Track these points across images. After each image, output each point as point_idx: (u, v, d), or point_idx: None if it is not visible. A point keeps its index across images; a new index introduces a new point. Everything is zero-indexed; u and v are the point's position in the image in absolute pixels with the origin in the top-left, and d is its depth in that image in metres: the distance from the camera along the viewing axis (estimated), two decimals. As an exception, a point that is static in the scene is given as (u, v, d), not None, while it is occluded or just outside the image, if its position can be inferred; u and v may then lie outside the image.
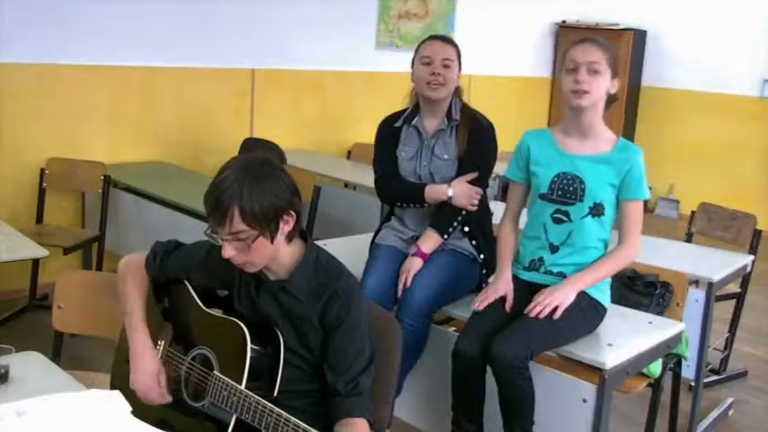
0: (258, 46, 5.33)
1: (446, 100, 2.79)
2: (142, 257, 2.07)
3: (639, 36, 7.61)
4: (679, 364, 3.02)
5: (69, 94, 4.53)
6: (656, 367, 2.74)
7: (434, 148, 2.80)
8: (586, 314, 2.44)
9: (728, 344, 4.06)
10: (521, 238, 2.62)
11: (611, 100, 2.47)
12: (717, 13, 7.23)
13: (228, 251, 1.79)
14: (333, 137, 5.91)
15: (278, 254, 1.85)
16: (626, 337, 2.46)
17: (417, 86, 2.79)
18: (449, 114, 2.80)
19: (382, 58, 6.10)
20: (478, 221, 2.82)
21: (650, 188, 6.44)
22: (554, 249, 2.50)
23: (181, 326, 2.01)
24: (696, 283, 3.30)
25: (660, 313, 2.86)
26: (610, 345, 2.40)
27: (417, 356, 2.65)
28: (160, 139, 4.96)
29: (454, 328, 2.76)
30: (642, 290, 2.97)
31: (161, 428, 1.56)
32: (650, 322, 2.62)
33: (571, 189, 2.46)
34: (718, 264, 3.34)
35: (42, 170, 4.42)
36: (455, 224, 2.77)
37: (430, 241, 2.73)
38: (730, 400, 3.70)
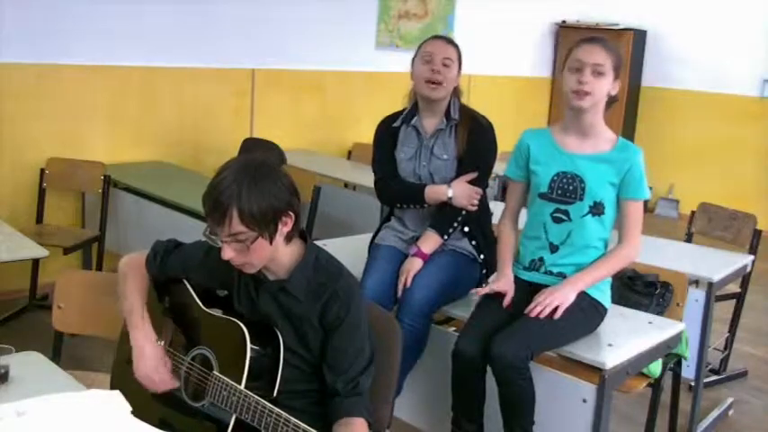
0: (258, 46, 5.33)
1: (444, 100, 2.79)
2: (142, 257, 2.07)
3: (639, 36, 7.62)
4: (679, 364, 3.02)
5: (69, 94, 4.53)
6: (656, 367, 2.74)
7: (434, 149, 2.80)
8: (587, 314, 2.44)
9: (728, 344, 4.06)
10: (521, 238, 2.62)
11: (611, 101, 2.47)
12: (717, 13, 7.23)
13: (227, 252, 1.79)
14: (333, 137, 5.91)
15: (277, 254, 1.85)
16: (626, 337, 2.46)
17: (416, 84, 2.79)
18: (447, 114, 2.80)
19: (382, 58, 6.10)
20: (478, 221, 2.82)
21: (650, 188, 6.45)
22: (554, 249, 2.50)
23: (180, 326, 2.01)
24: (696, 283, 3.30)
25: (660, 313, 2.86)
26: (610, 345, 2.40)
27: (417, 356, 2.65)
28: (160, 139, 4.96)
29: (454, 328, 2.76)
30: (642, 290, 2.97)
31: (161, 428, 1.56)
32: (650, 322, 2.62)
33: (571, 188, 2.46)
34: (718, 264, 3.34)
35: (42, 170, 4.42)
36: (455, 224, 2.77)
37: (430, 242, 2.73)
38: (730, 400, 3.70)
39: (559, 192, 2.48)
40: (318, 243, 2.03)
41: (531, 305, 2.38)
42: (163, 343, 2.00)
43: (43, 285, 4.27)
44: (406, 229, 2.88)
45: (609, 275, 2.52)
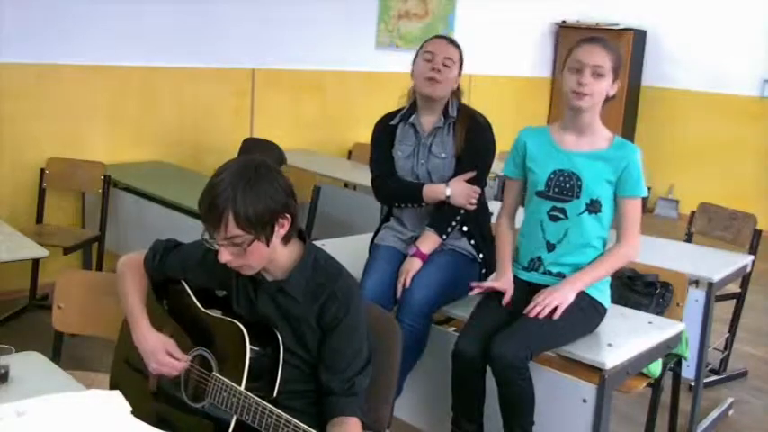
0: (258, 46, 5.33)
1: (443, 99, 2.79)
2: (141, 256, 2.07)
3: (639, 36, 7.62)
4: (679, 364, 3.02)
5: (69, 94, 4.53)
6: (656, 367, 2.74)
7: (432, 147, 2.80)
8: (586, 314, 2.44)
9: (728, 344, 4.06)
10: (519, 237, 2.62)
11: (607, 99, 2.47)
12: (717, 13, 7.23)
13: (225, 256, 1.79)
14: (333, 137, 5.91)
15: (275, 256, 1.85)
16: (626, 337, 2.46)
17: (416, 82, 2.79)
18: (445, 112, 2.80)
19: (382, 58, 6.10)
20: (477, 221, 2.82)
21: (650, 188, 6.40)
22: (551, 247, 2.50)
23: (180, 327, 2.01)
24: (696, 283, 3.30)
25: (660, 313, 2.86)
26: (610, 345, 2.40)
27: (418, 357, 2.65)
28: (160, 139, 4.96)
29: (454, 328, 2.75)
30: (642, 290, 2.97)
31: (161, 428, 1.56)
32: (650, 322, 2.62)
33: (568, 186, 2.46)
34: (719, 264, 3.34)
35: (42, 170, 4.42)
36: (454, 224, 2.76)
37: (429, 242, 2.73)
38: (730, 400, 3.70)
39: (556, 190, 2.48)
40: (318, 243, 2.03)
41: (531, 305, 2.38)
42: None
43: (43, 285, 4.27)
44: (405, 229, 2.88)
45: (608, 275, 2.52)
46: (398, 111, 2.90)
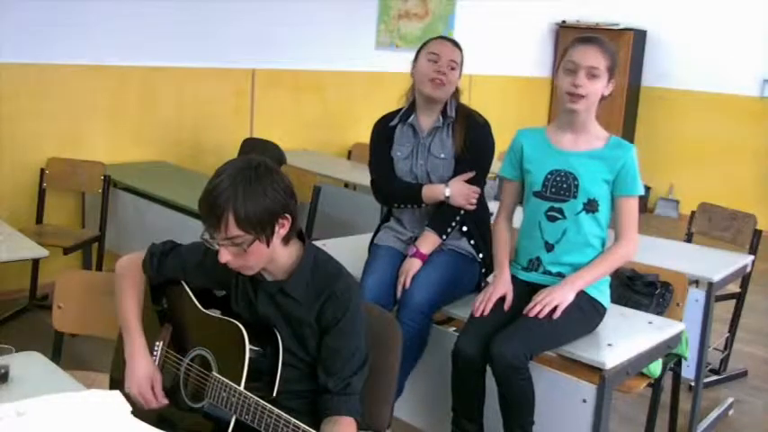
0: (258, 46, 5.33)
1: (444, 100, 2.79)
2: (139, 258, 2.07)
3: (639, 36, 7.62)
4: (679, 364, 3.02)
5: (69, 94, 4.53)
6: (656, 367, 2.74)
7: (431, 147, 2.80)
8: (586, 314, 2.44)
9: (728, 344, 4.06)
10: (518, 238, 2.62)
11: (602, 98, 2.47)
12: (717, 13, 7.23)
13: (224, 256, 1.79)
14: (333, 137, 5.91)
15: (275, 256, 1.85)
16: (626, 337, 2.46)
17: (419, 82, 2.78)
18: (444, 112, 2.80)
19: (382, 58, 6.10)
20: (477, 221, 2.82)
21: (650, 188, 6.39)
22: (550, 248, 2.50)
23: (179, 327, 2.01)
24: (696, 283, 3.30)
25: (660, 313, 2.86)
26: (610, 345, 2.40)
27: (418, 357, 2.65)
28: (160, 138, 4.96)
29: (454, 328, 2.75)
30: (642, 290, 2.97)
31: (161, 428, 1.56)
32: (650, 322, 2.62)
33: (564, 186, 2.46)
34: (718, 264, 3.34)
35: (42, 170, 4.42)
36: (453, 224, 2.76)
37: (428, 242, 2.73)
38: (730, 400, 3.70)
39: (553, 190, 2.48)
40: (318, 243, 2.03)
41: (530, 305, 2.38)
42: (161, 344, 2.00)
43: (43, 285, 4.27)
44: (405, 229, 2.88)
45: (607, 274, 2.52)
46: (397, 111, 2.90)
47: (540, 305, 2.35)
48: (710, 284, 3.18)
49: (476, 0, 6.74)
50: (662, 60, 7.65)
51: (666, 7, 7.56)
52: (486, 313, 2.45)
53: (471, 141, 2.77)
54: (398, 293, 2.66)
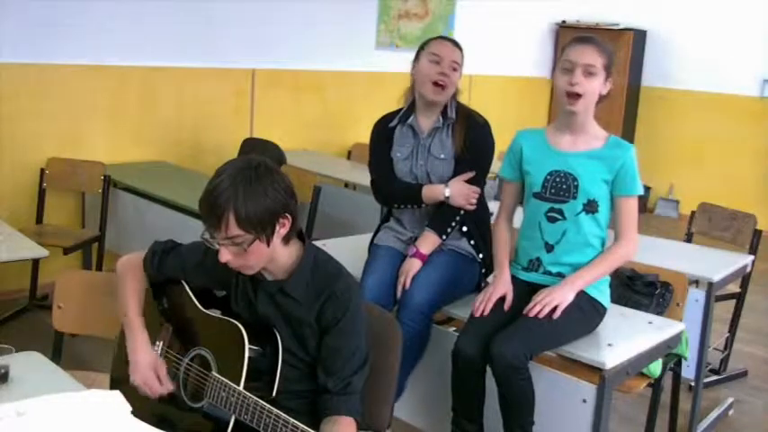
0: (258, 46, 5.33)
1: (444, 102, 2.79)
2: (140, 257, 2.07)
3: (639, 36, 7.62)
4: (679, 364, 3.02)
5: (69, 94, 4.53)
6: (656, 367, 2.74)
7: (431, 148, 2.80)
8: (586, 314, 2.44)
9: (728, 344, 4.06)
10: (518, 238, 2.62)
11: (600, 98, 2.47)
12: (717, 13, 7.23)
13: (225, 255, 1.79)
14: (333, 137, 5.91)
15: (275, 256, 1.85)
16: (626, 337, 2.46)
17: (420, 84, 2.77)
18: (444, 113, 2.80)
19: (382, 58, 6.10)
20: (477, 221, 2.82)
21: (650, 188, 6.39)
22: (550, 248, 2.50)
23: (179, 327, 2.01)
24: (696, 283, 3.30)
25: (660, 313, 2.86)
26: (610, 345, 2.40)
27: (419, 357, 2.65)
28: (160, 138, 4.96)
29: (454, 328, 2.75)
30: (642, 290, 2.97)
31: (161, 428, 1.56)
32: (650, 322, 2.62)
33: (564, 186, 2.46)
34: (719, 264, 3.34)
35: (42, 170, 4.42)
36: (453, 224, 2.76)
37: (428, 242, 2.73)
38: (730, 400, 3.70)
39: (553, 191, 2.48)
40: (318, 243, 2.03)
41: (530, 305, 2.38)
42: (161, 344, 2.00)
43: (43, 285, 4.27)
44: (405, 229, 2.87)
45: (607, 274, 2.52)
46: (397, 112, 2.89)
47: (540, 305, 2.35)
48: (710, 284, 3.18)
49: (476, 0, 6.74)
50: (662, 60, 7.65)
51: (666, 7, 7.56)
52: (485, 313, 2.45)
53: (471, 141, 2.77)
54: (398, 294, 2.66)
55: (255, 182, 1.75)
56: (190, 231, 2.13)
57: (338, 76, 5.86)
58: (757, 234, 3.98)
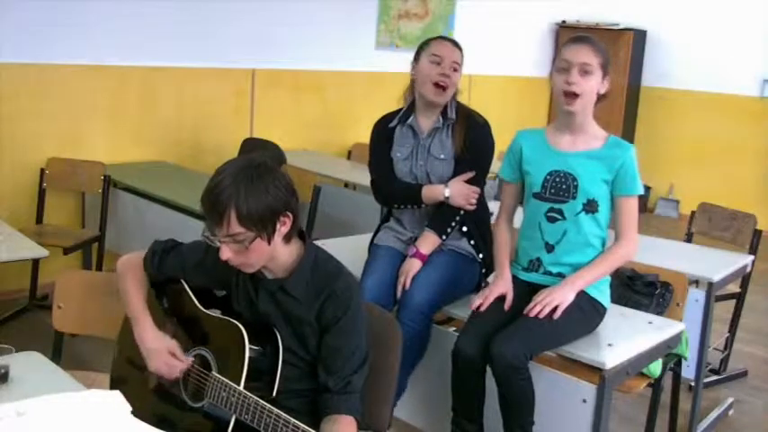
0: (258, 46, 5.33)
1: (445, 103, 2.79)
2: (140, 256, 2.07)
3: (639, 36, 7.62)
4: (679, 364, 3.02)
5: (69, 94, 4.53)
6: (656, 367, 2.74)
7: (431, 148, 2.80)
8: (586, 314, 2.44)
9: (728, 344, 4.06)
10: (518, 239, 2.62)
11: (600, 98, 2.47)
12: (717, 13, 7.23)
13: (226, 253, 1.79)
14: (333, 137, 5.91)
15: (276, 254, 1.85)
16: (626, 337, 2.46)
17: (421, 85, 2.77)
18: (444, 113, 2.79)
19: (382, 58, 6.10)
20: (477, 221, 2.82)
21: (650, 188, 6.38)
22: (550, 249, 2.50)
23: (179, 326, 2.01)
24: (696, 283, 3.30)
25: (660, 313, 2.86)
26: (610, 345, 2.40)
27: (420, 356, 2.65)
28: (160, 138, 4.96)
29: (454, 328, 2.75)
30: (642, 290, 2.97)
31: (161, 428, 1.56)
32: (650, 322, 2.62)
33: (564, 186, 2.46)
34: (718, 264, 3.34)
35: (42, 170, 4.42)
36: (453, 224, 2.76)
37: (428, 242, 2.73)
38: (730, 400, 3.70)
39: (552, 191, 2.48)
40: (318, 243, 2.03)
41: (530, 305, 2.38)
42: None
43: (43, 285, 4.27)
44: (405, 229, 2.87)
45: (607, 274, 2.52)
46: (396, 112, 2.89)
47: (541, 305, 2.35)
48: (710, 284, 3.18)
49: (476, 0, 6.74)
50: (662, 60, 7.65)
51: (666, 7, 7.56)
52: (483, 308, 2.45)
53: (471, 141, 2.77)
54: (398, 294, 2.66)
55: (257, 180, 1.76)
56: (190, 231, 2.13)
57: (338, 76, 5.86)
58: (757, 234, 3.98)
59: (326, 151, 5.78)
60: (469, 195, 2.74)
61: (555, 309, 2.35)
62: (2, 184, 4.36)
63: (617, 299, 2.78)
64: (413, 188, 2.79)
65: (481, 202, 2.81)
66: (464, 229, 2.80)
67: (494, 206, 3.00)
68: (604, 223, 2.50)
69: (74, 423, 1.53)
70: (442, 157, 2.78)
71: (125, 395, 1.63)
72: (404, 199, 2.82)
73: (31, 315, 4.20)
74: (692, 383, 3.39)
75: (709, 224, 4.20)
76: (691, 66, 7.44)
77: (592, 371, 2.32)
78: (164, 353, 1.92)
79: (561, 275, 2.48)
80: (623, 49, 7.44)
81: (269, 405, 1.71)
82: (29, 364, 1.88)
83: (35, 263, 4.22)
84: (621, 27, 7.53)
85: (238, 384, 1.78)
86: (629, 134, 7.54)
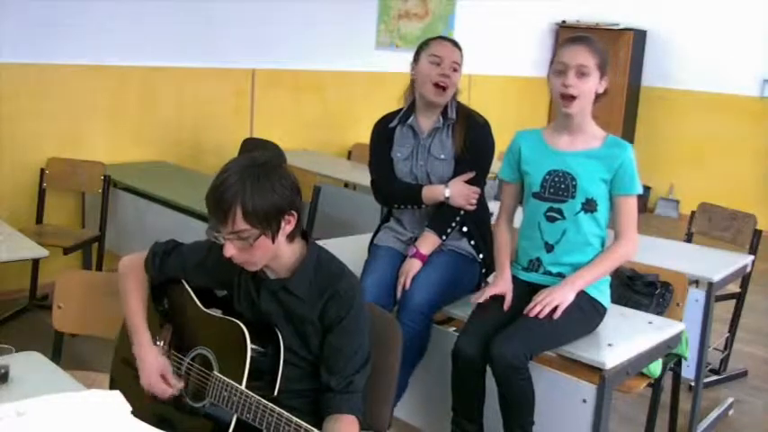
0: (258, 46, 5.33)
1: (445, 103, 2.78)
2: (141, 258, 2.07)
3: (639, 36, 7.62)
4: (679, 364, 3.02)
5: (69, 94, 4.53)
6: (656, 367, 2.74)
7: (431, 148, 2.80)
8: (586, 314, 2.44)
9: (728, 344, 4.06)
10: (518, 239, 2.62)
11: (597, 97, 2.47)
12: (717, 13, 7.23)
13: (230, 250, 1.79)
14: (333, 137, 5.91)
15: (279, 253, 1.85)
16: (626, 337, 2.46)
17: (421, 85, 2.77)
18: (444, 113, 2.79)
19: (382, 58, 6.10)
20: (477, 221, 2.82)
21: (650, 188, 6.37)
22: (550, 248, 2.50)
23: (180, 326, 2.01)
24: (696, 283, 3.30)
25: (660, 313, 2.86)
26: (610, 345, 2.40)
27: (420, 356, 2.65)
28: (160, 138, 4.97)
29: (454, 328, 2.75)
30: (642, 290, 2.97)
31: (161, 428, 1.56)
32: (650, 322, 2.62)
33: (563, 186, 2.46)
34: (718, 264, 3.34)
35: (42, 170, 4.42)
36: (453, 224, 2.76)
37: (428, 242, 2.73)
38: (730, 400, 3.70)
39: (551, 191, 2.48)
40: (318, 243, 2.04)
41: (531, 305, 2.38)
42: (162, 343, 2.00)
43: (43, 285, 4.27)
44: (405, 230, 2.87)
45: (607, 273, 2.52)
46: (397, 112, 2.89)
47: (541, 305, 2.35)
48: (710, 284, 3.18)
49: (476, 0, 6.74)
50: (662, 60, 7.65)
51: (666, 7, 7.56)
52: (481, 300, 2.46)
53: (471, 141, 2.77)
54: (398, 294, 2.66)
55: (263, 177, 1.76)
56: (190, 231, 2.14)
57: (338, 76, 5.86)
58: (757, 234, 3.98)
59: (326, 151, 5.78)
60: (470, 196, 2.74)
61: (555, 309, 2.35)
62: (2, 184, 4.36)
63: (617, 299, 2.78)
64: (413, 188, 2.79)
65: (481, 202, 2.81)
66: (464, 229, 2.80)
67: (494, 206, 3.00)
68: (604, 223, 2.50)
69: (74, 423, 1.53)
70: (443, 157, 2.78)
71: (125, 395, 1.64)
72: (404, 199, 2.82)
73: (31, 315, 4.20)
74: (692, 383, 3.39)
75: (709, 224, 4.20)
76: (691, 66, 7.44)
77: (592, 371, 2.32)
78: (156, 375, 1.93)
79: (561, 275, 2.48)
80: (623, 49, 7.44)
81: (270, 404, 1.71)
82: (29, 364, 1.88)
83: (35, 263, 4.22)
84: (621, 27, 7.53)
85: (240, 384, 1.78)
86: (629, 134, 7.54)
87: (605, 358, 2.31)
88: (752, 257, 3.62)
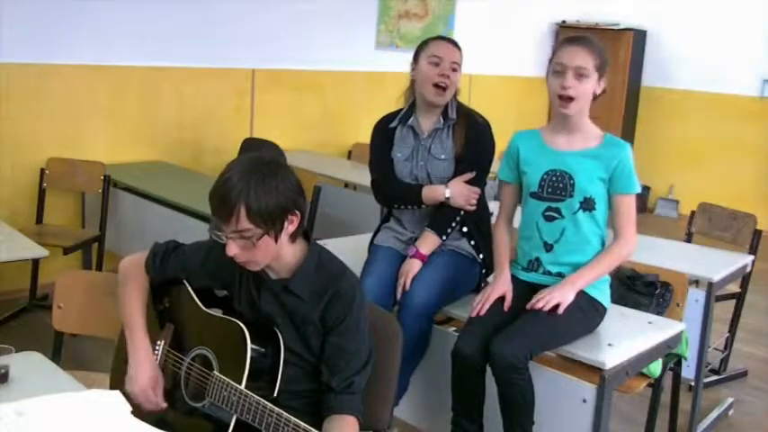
0: (258, 46, 5.33)
1: (445, 104, 2.78)
2: (142, 259, 2.07)
3: (639, 36, 7.62)
4: (679, 364, 3.02)
5: (69, 94, 4.53)
6: (656, 367, 2.74)
7: (431, 148, 2.80)
8: (586, 314, 2.44)
9: (728, 344, 4.06)
10: (517, 239, 2.62)
11: (595, 97, 2.47)
12: (717, 12, 7.23)
13: (232, 249, 1.79)
14: (333, 137, 5.91)
15: (281, 253, 1.85)
16: (626, 337, 2.46)
17: (421, 85, 2.77)
18: (445, 113, 2.79)
19: (382, 58, 6.10)
20: (477, 221, 2.82)
21: (650, 188, 6.38)
22: (549, 248, 2.50)
23: (180, 326, 2.01)
24: (696, 283, 3.30)
25: (660, 313, 2.86)
26: (610, 345, 2.40)
27: (420, 356, 2.66)
28: (160, 139, 4.97)
29: (454, 328, 2.75)
30: (642, 290, 2.96)
31: (161, 428, 1.56)
32: (650, 322, 2.62)
33: (561, 185, 2.46)
34: (718, 264, 3.34)
35: (42, 170, 4.42)
36: (453, 225, 2.76)
37: (428, 242, 2.73)
38: (730, 400, 3.70)
39: (549, 190, 2.48)
40: (319, 243, 2.04)
41: (532, 301, 2.38)
42: (162, 344, 2.00)
43: (43, 285, 4.27)
44: (405, 230, 2.87)
45: (607, 273, 2.52)
46: (397, 112, 2.89)
47: (542, 301, 2.35)
48: (710, 284, 3.18)
49: (476, 0, 6.74)
50: (662, 60, 7.65)
51: (666, 7, 7.55)
52: (482, 313, 2.45)
53: (471, 141, 2.77)
54: (398, 294, 2.66)
55: (268, 177, 1.76)
56: (190, 231, 2.14)
57: (338, 76, 5.86)
58: (757, 234, 3.98)
59: (326, 151, 5.78)
60: (470, 196, 2.74)
61: (556, 306, 2.35)
62: (2, 184, 4.36)
63: (617, 299, 2.78)
64: (413, 188, 2.79)
65: (481, 202, 2.81)
66: (464, 229, 2.80)
67: (494, 206, 3.00)
68: (603, 222, 2.50)
69: (74, 423, 1.53)
70: (443, 157, 2.78)
71: (125, 395, 1.64)
72: (404, 199, 2.82)
73: (31, 315, 4.20)
74: (692, 383, 3.39)
75: (708, 224, 4.20)
76: (691, 66, 7.44)
77: (592, 371, 2.32)
78: (147, 387, 1.92)
79: (561, 275, 2.48)
80: (623, 49, 7.44)
81: (270, 404, 1.71)
82: (29, 364, 1.88)
83: (35, 263, 4.22)
84: (621, 27, 7.53)
85: (240, 384, 1.78)
86: (628, 134, 7.54)
87: (605, 358, 2.31)
88: (752, 257, 3.62)
